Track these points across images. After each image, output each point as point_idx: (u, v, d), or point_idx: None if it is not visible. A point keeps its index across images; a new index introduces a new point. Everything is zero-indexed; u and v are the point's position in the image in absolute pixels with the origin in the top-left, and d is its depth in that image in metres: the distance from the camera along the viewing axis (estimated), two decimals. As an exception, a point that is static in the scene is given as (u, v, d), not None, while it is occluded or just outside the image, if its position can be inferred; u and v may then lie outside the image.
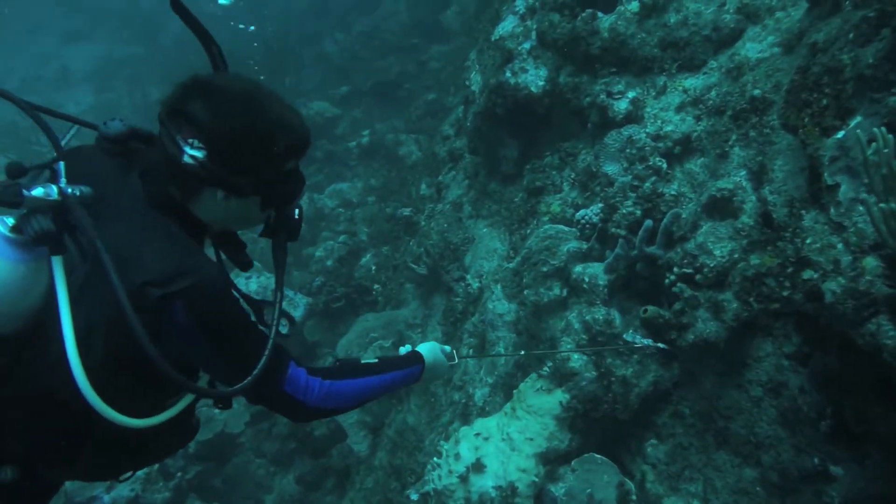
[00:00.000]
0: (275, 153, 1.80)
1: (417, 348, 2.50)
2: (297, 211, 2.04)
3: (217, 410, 7.83)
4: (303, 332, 8.25)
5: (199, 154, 1.68)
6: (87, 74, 20.45)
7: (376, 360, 2.25)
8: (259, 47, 14.19)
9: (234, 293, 1.83)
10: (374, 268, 8.20)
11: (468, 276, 5.49)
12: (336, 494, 7.09)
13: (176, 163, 1.70)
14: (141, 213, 1.75)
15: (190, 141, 1.68)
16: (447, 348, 2.64)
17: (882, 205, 2.48)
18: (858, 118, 2.94)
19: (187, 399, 1.87)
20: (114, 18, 21.67)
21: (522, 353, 3.46)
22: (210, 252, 1.98)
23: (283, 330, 2.21)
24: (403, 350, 2.54)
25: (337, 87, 14.41)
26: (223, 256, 2.09)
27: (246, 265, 2.08)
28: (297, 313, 8.19)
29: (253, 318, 1.94)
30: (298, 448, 7.83)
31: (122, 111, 15.60)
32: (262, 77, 11.29)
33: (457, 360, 2.71)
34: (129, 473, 2.01)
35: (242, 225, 1.97)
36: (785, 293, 3.14)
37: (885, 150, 2.47)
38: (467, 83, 5.77)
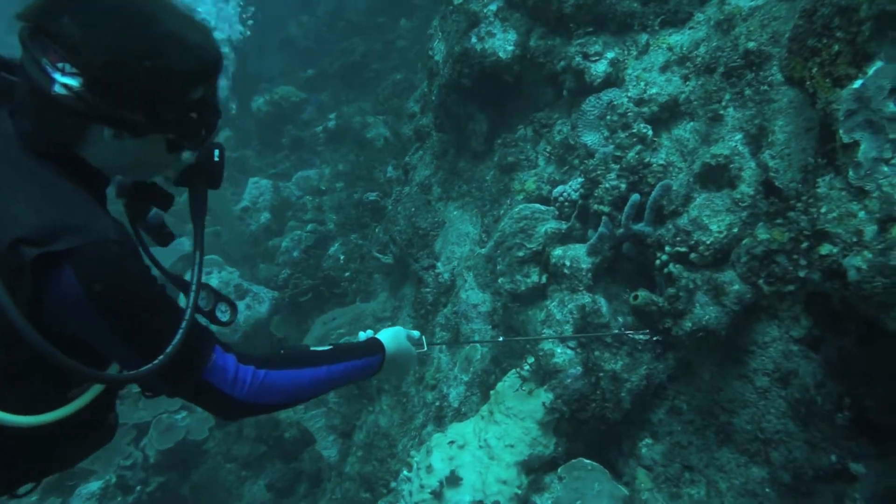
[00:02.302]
0: (171, 78, 1.41)
1: (378, 335, 2.14)
2: (216, 152, 1.65)
3: (179, 417, 7.42)
4: (269, 328, 7.78)
5: (72, 82, 1.32)
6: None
7: (327, 349, 1.90)
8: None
9: (145, 262, 1.46)
10: (342, 257, 7.72)
11: (439, 264, 5.03)
12: (309, 500, 6.66)
13: (46, 95, 1.33)
14: (14, 160, 1.39)
15: (60, 66, 1.32)
16: (415, 333, 2.31)
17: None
18: (879, 64, 2.51)
19: (95, 390, 1.49)
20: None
21: (501, 339, 3.03)
22: None
23: (224, 317, 1.82)
24: (364, 335, 2.20)
25: (302, 70, 13.87)
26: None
27: (165, 237, 1.73)
28: (263, 309, 7.71)
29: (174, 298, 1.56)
30: (269, 452, 7.38)
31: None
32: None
33: (426, 348, 2.37)
34: (28, 486, 1.66)
35: (148, 171, 1.63)
36: (801, 273, 2.71)
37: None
38: (430, 53, 5.28)
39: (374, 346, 2.06)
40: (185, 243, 9.42)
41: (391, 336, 2.13)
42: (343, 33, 13.55)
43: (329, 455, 5.74)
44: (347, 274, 7.27)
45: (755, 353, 3.21)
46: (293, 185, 10.40)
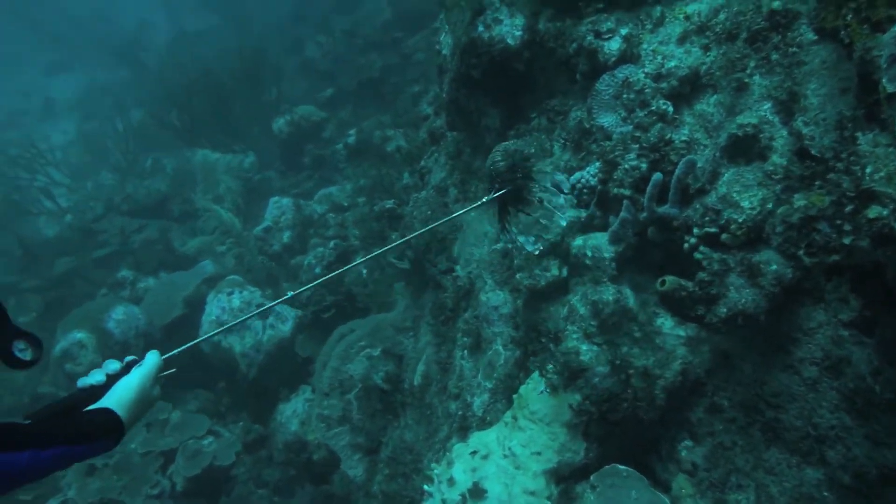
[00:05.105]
0: None
1: (114, 391, 1.76)
2: None
3: (205, 442, 7.26)
4: (294, 348, 7.59)
5: None
6: (72, 103, 20.07)
7: (26, 434, 1.48)
8: (236, 64, 13.65)
9: None
10: (364, 271, 7.52)
11: (458, 268, 4.79)
12: (341, 524, 6.41)
13: None
14: None
15: None
16: (157, 362, 1.91)
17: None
18: (922, 0, 2.23)
19: None
20: (95, 45, 21.28)
21: (289, 294, 2.34)
22: None
23: (25, 356, 1.53)
24: (113, 367, 1.83)
25: (322, 90, 13.81)
26: None
27: None
28: (286, 327, 7.53)
29: None
30: (298, 476, 7.16)
31: (107, 136, 15.13)
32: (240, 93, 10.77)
33: (174, 369, 2.00)
34: None
35: None
36: (846, 240, 2.41)
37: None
38: (438, 48, 5.08)
39: (103, 425, 1.66)
40: (207, 266, 9.33)
41: (129, 395, 1.76)
42: (360, 50, 13.48)
43: (355, 475, 5.49)
44: (368, 288, 7.06)
45: (800, 341, 2.91)
46: (315, 203, 10.26)
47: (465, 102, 4.82)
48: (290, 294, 2.23)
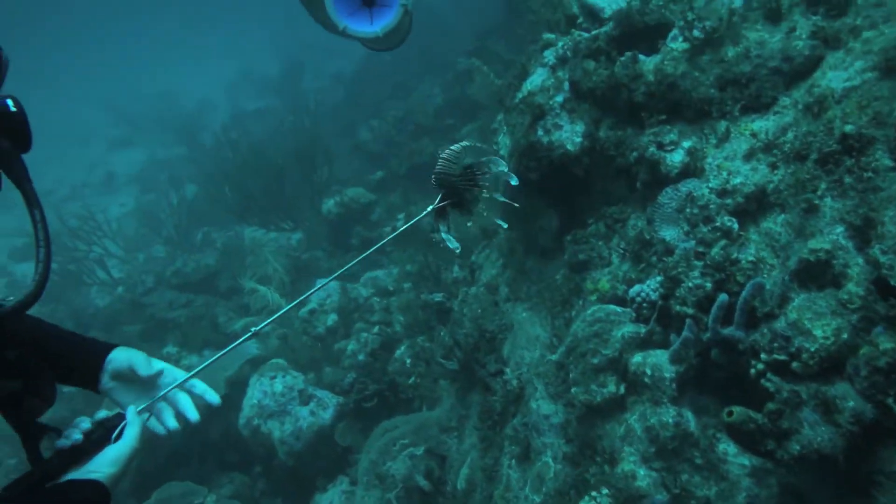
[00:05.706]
0: None
1: (103, 462, 1.61)
2: (10, 102, 1.37)
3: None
4: (334, 437, 7.45)
5: None
6: (132, 177, 20.80)
7: None
8: (290, 144, 14.07)
9: None
10: (408, 361, 7.41)
11: (507, 370, 4.67)
12: None
13: None
14: None
15: None
16: (141, 428, 1.72)
17: None
18: None
19: None
20: (157, 123, 22.25)
21: (252, 329, 2.10)
22: None
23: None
24: (86, 426, 1.65)
25: (373, 172, 14.07)
26: None
27: None
28: (326, 415, 7.41)
29: None
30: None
31: (162, 210, 15.55)
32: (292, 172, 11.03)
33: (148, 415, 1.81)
34: None
35: None
36: (939, 390, 2.27)
37: None
38: (495, 148, 5.11)
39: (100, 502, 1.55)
40: (251, 347, 9.34)
41: (121, 469, 1.62)
42: (412, 135, 13.76)
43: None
44: (412, 380, 6.94)
45: (883, 485, 2.70)
46: (361, 286, 10.29)
47: (521, 202, 4.80)
48: (253, 330, 2.09)
